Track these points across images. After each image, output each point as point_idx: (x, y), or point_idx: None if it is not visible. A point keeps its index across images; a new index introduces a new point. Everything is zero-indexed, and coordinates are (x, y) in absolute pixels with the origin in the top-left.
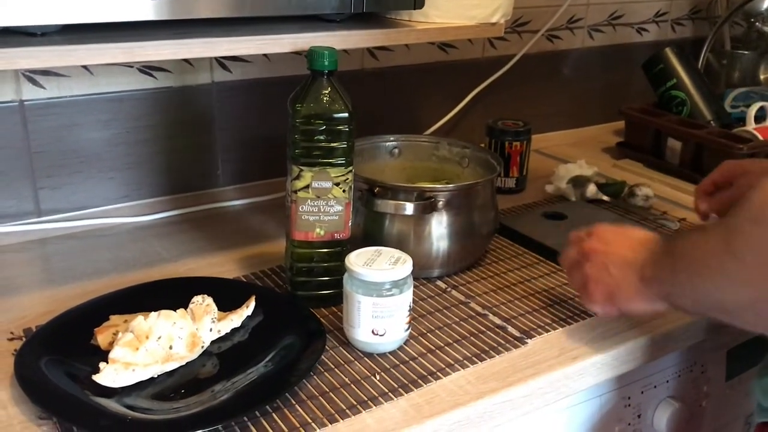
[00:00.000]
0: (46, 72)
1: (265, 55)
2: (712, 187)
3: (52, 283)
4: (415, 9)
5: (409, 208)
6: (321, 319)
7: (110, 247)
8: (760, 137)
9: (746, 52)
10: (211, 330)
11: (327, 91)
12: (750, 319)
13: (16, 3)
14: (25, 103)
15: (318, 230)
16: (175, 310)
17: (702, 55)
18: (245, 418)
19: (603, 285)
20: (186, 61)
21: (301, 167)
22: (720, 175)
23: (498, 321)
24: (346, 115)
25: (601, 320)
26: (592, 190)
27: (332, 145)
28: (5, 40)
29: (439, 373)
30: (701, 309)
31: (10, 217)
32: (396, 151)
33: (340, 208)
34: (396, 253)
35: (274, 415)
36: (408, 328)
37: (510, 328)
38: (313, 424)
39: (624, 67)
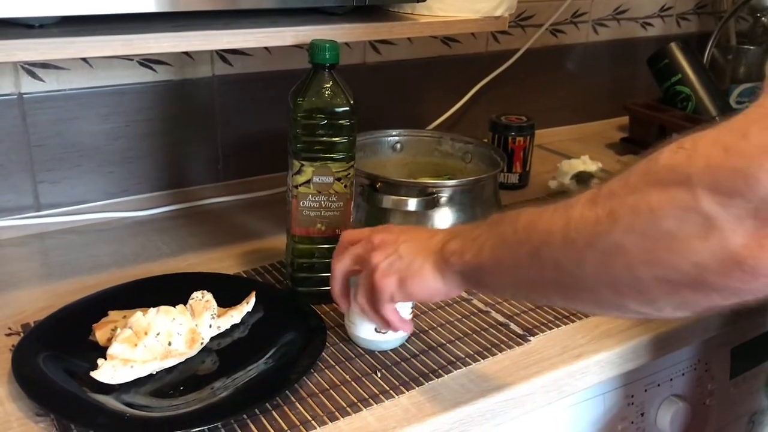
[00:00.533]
0: (45, 65)
1: (266, 48)
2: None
3: (51, 278)
4: (418, 2)
5: (412, 203)
6: (322, 315)
7: (110, 241)
8: None
9: (752, 48)
10: (210, 326)
11: (329, 85)
12: (626, 302)
13: None
14: (24, 96)
15: (319, 226)
16: (174, 306)
17: (707, 51)
18: (245, 416)
19: (393, 273)
20: (186, 54)
21: (302, 162)
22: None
23: (501, 318)
24: (347, 109)
25: (604, 318)
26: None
27: (334, 139)
28: (3, 32)
29: (440, 371)
30: (527, 293)
31: (9, 211)
32: (398, 146)
33: (341, 203)
34: None
35: (274, 412)
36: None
37: (512, 326)
38: (313, 421)
39: (629, 62)
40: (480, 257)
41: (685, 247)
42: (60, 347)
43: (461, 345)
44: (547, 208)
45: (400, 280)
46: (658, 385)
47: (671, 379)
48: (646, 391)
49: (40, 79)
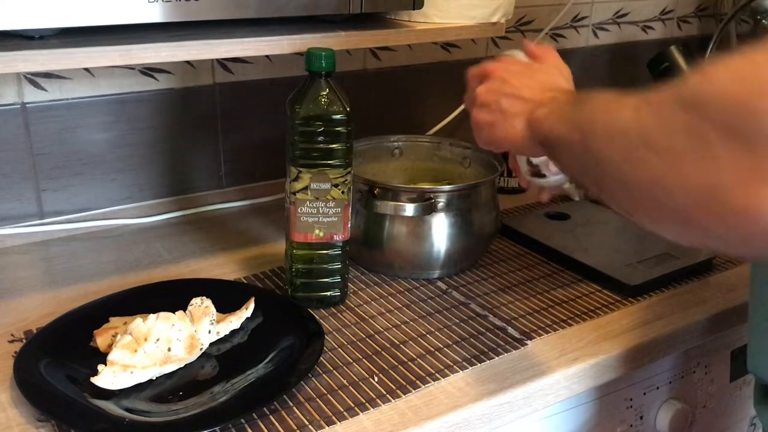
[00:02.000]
0: (47, 74)
1: (266, 56)
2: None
3: (54, 285)
4: (414, 9)
5: (409, 209)
6: (320, 320)
7: (112, 248)
8: None
9: None
10: (209, 332)
11: (325, 93)
12: (637, 213)
13: (14, 6)
14: (27, 105)
15: (317, 231)
16: (174, 312)
17: (708, 53)
18: (243, 420)
19: (488, 111)
20: (187, 62)
21: (300, 169)
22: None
23: (498, 322)
24: (344, 116)
25: (601, 322)
26: None
27: (331, 146)
28: (3, 44)
29: (437, 375)
30: (581, 177)
31: (12, 219)
32: (397, 151)
33: (339, 209)
34: None
35: (272, 417)
36: None
37: (510, 330)
38: (310, 426)
39: (629, 66)
40: (552, 133)
41: (683, 169)
42: (61, 353)
43: (458, 349)
44: (609, 98)
45: (491, 122)
46: (657, 387)
47: (670, 382)
48: (645, 394)
49: (43, 89)
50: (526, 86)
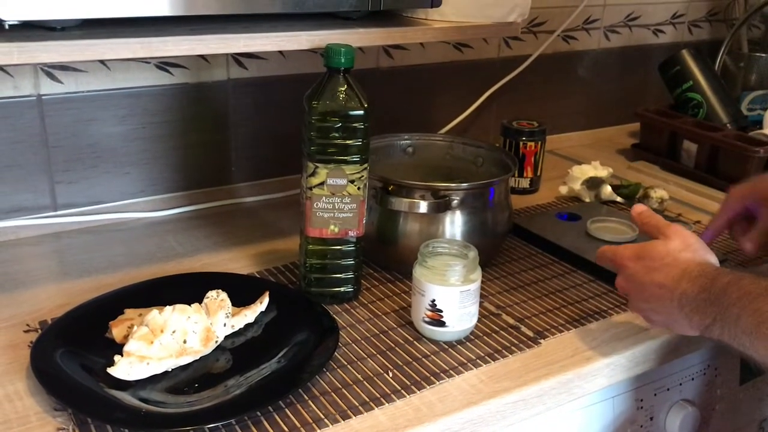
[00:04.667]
0: (64, 67)
1: (280, 52)
2: (728, 227)
3: (67, 277)
4: (432, 7)
5: (423, 206)
6: (334, 316)
7: (125, 241)
8: None
9: (764, 55)
10: (225, 325)
11: (343, 89)
12: None
13: None
14: (43, 97)
15: (332, 227)
16: (189, 305)
17: (719, 58)
18: (258, 413)
19: (654, 319)
20: (202, 57)
21: (317, 164)
22: (733, 210)
23: (511, 321)
24: (362, 112)
25: (614, 322)
26: (606, 191)
27: (348, 142)
28: (26, 35)
29: (451, 371)
30: (745, 351)
31: (26, 211)
32: (410, 149)
33: (354, 205)
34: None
35: (287, 410)
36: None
37: (523, 328)
38: (325, 419)
39: (640, 69)
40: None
41: None
42: (77, 344)
43: (472, 347)
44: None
45: (665, 324)
46: (668, 389)
47: (681, 384)
48: (655, 395)
49: (59, 81)
50: (658, 300)
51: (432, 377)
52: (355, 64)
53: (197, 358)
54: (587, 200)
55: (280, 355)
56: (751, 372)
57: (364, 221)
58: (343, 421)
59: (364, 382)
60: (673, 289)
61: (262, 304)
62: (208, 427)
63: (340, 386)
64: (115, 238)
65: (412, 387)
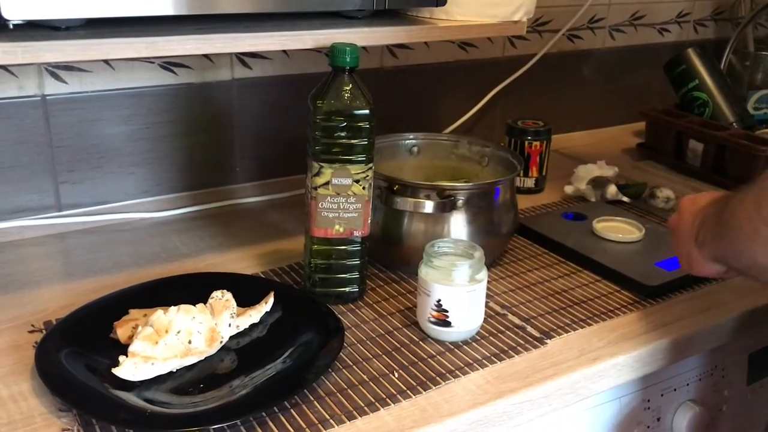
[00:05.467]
0: (68, 67)
1: (284, 51)
2: None
3: (71, 277)
4: (437, 6)
5: (429, 206)
6: (339, 316)
7: (130, 241)
8: None
9: None
10: (230, 325)
11: (348, 88)
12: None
13: None
14: (48, 97)
15: (337, 227)
16: (194, 305)
17: (725, 57)
18: (263, 414)
19: (680, 253)
20: (206, 57)
21: (322, 164)
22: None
23: (517, 321)
24: (367, 111)
25: (621, 322)
26: (612, 191)
27: (353, 141)
28: (30, 34)
29: (457, 372)
30: (749, 271)
31: (31, 211)
32: (415, 149)
33: (359, 205)
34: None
35: (292, 411)
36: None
37: (529, 328)
38: (331, 420)
39: (645, 68)
40: (724, 253)
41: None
42: (81, 344)
43: (478, 347)
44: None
45: (686, 260)
46: (675, 389)
47: (688, 384)
48: (662, 395)
49: (63, 81)
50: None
51: (438, 378)
52: (360, 63)
53: (202, 358)
54: (593, 200)
55: (285, 355)
56: (759, 373)
57: (369, 221)
58: (348, 422)
59: (370, 383)
60: (696, 220)
61: (267, 305)
62: (213, 428)
63: (345, 387)
64: (119, 238)
65: (418, 387)
